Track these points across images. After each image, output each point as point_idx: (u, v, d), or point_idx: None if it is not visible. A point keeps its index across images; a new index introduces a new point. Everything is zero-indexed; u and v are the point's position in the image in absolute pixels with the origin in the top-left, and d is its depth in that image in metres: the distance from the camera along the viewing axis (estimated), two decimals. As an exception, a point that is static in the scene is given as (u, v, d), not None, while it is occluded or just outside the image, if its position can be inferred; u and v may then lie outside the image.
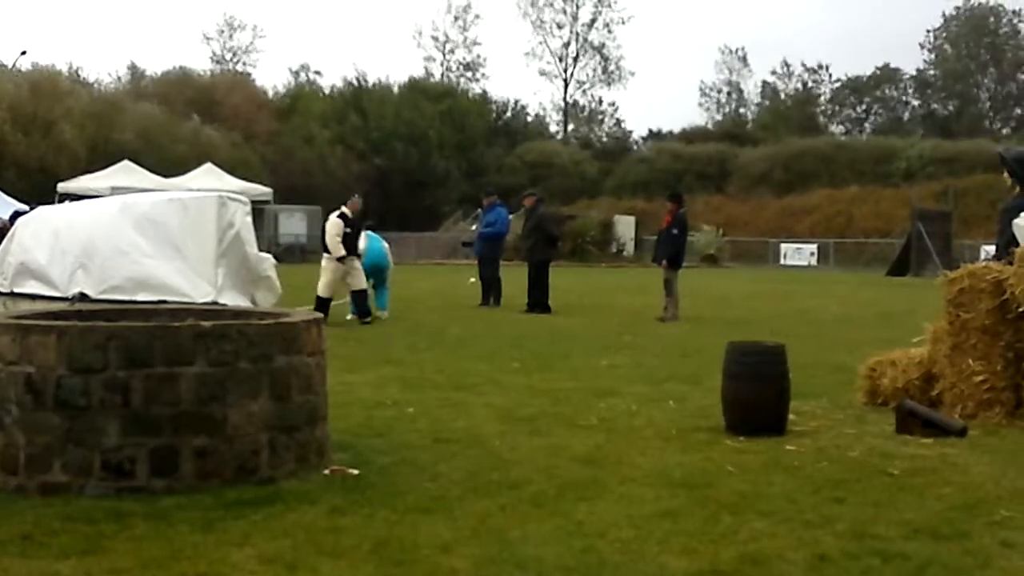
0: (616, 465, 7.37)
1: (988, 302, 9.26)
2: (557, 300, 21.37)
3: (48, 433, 6.27)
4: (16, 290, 13.81)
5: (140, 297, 12.58)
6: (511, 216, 25.78)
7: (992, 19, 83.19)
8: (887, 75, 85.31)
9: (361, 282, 17.86)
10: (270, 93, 74.81)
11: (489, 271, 22.46)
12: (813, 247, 53.70)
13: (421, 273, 34.79)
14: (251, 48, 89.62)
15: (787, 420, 8.70)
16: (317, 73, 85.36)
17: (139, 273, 13.15)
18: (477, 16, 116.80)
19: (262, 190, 42.66)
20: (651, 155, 72.96)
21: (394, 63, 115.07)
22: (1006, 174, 11.20)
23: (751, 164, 67.32)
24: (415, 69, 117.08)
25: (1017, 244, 9.61)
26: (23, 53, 76.23)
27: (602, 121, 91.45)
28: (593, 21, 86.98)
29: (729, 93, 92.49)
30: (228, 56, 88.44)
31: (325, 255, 17.93)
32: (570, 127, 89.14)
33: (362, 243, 18.43)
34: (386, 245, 19.63)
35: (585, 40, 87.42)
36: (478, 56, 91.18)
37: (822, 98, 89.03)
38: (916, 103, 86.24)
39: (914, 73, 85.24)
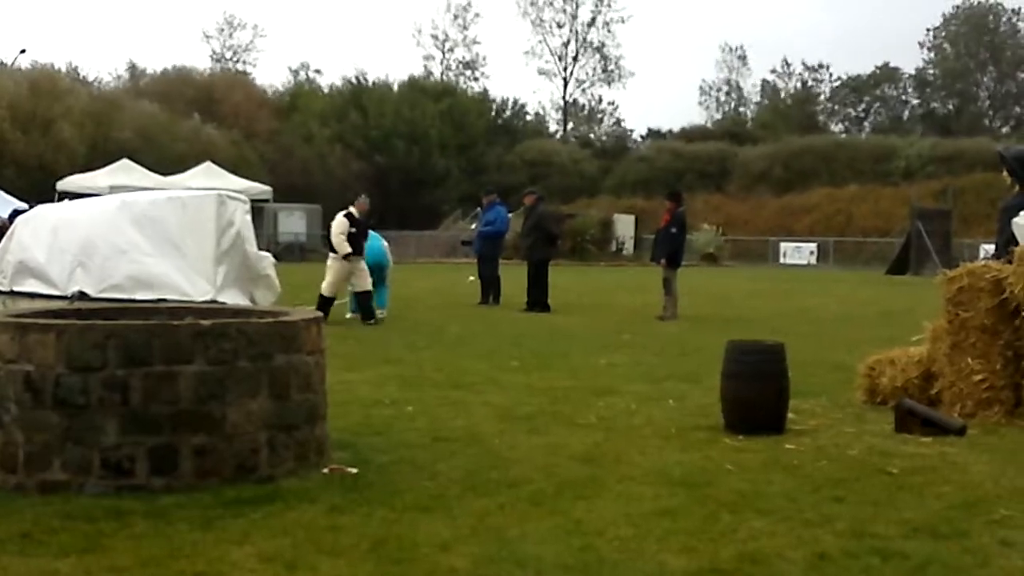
0: (615, 464, 7.37)
1: (987, 301, 9.26)
2: (556, 299, 21.37)
3: (47, 431, 6.26)
4: (15, 288, 13.81)
5: (139, 296, 12.58)
6: (511, 215, 25.79)
7: (991, 18, 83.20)
8: (887, 74, 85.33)
9: (366, 283, 17.83)
10: (269, 92, 74.86)
11: (488, 270, 22.47)
12: (812, 246, 53.69)
13: (420, 272, 34.79)
14: (251, 47, 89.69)
15: (786, 419, 8.71)
16: (317, 72, 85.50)
17: (138, 271, 13.15)
18: (477, 15, 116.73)
19: (261, 188, 42.67)
20: (651, 154, 72.89)
21: (394, 62, 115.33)
22: (1005, 173, 11.20)
23: (751, 163, 67.28)
24: (415, 68, 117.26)
25: (1016, 243, 9.62)
26: (22, 51, 76.34)
27: (602, 120, 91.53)
28: (593, 20, 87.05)
29: (729, 92, 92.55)
30: (228, 55, 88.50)
31: (331, 254, 17.93)
32: (569, 126, 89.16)
33: (362, 242, 18.41)
34: (385, 244, 19.61)
35: (584, 39, 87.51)
36: (477, 55, 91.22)
37: (822, 97, 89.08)
38: (916, 102, 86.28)
39: (913, 72, 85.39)
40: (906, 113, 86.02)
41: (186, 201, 14.19)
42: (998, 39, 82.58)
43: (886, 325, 17.66)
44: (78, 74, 66.29)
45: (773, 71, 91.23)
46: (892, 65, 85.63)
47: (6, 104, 46.53)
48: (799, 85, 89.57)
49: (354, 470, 6.96)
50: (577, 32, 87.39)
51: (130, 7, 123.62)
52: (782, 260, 52.90)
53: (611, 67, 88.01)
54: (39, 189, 35.67)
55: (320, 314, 7.76)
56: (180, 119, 56.98)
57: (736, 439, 8.26)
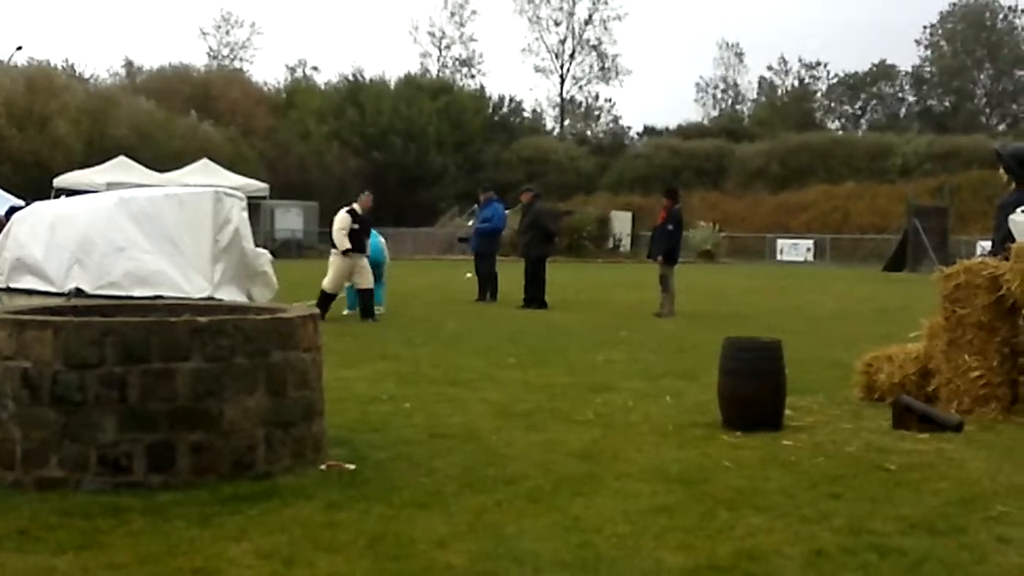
0: (612, 460, 7.37)
1: (984, 298, 9.27)
2: (553, 296, 21.38)
3: (44, 428, 6.26)
4: (12, 285, 13.78)
5: (136, 292, 12.56)
6: (508, 212, 25.79)
7: (988, 15, 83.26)
8: (883, 71, 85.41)
9: (368, 281, 17.81)
10: (266, 89, 74.81)
11: (486, 267, 22.48)
12: (809, 243, 53.73)
13: (417, 268, 34.80)
14: (248, 44, 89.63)
15: (783, 416, 8.71)
16: (314, 69, 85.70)
17: (136, 268, 13.12)
18: (474, 12, 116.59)
19: (258, 185, 42.64)
20: (648, 151, 72.93)
21: (390, 59, 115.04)
22: (1002, 170, 11.24)
23: (747, 160, 67.32)
24: (411, 65, 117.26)
25: (1013, 240, 9.63)
26: (19, 48, 76.50)
27: (598, 117, 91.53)
28: (590, 18, 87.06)
29: (725, 89, 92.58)
30: (225, 52, 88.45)
31: (333, 250, 17.91)
32: (566, 123, 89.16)
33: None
34: (383, 240, 19.62)
35: (581, 36, 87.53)
36: (474, 52, 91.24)
37: (819, 94, 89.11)
38: (912, 99, 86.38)
39: (910, 69, 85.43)
40: (903, 110, 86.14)
41: (183, 198, 14.17)
42: (995, 36, 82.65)
43: (883, 322, 17.68)
44: (74, 71, 66.25)
45: (770, 68, 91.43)
46: (889, 62, 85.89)
47: (2, 101, 46.53)
48: (796, 82, 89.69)
49: (351, 467, 6.96)
50: (574, 29, 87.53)
51: (126, 4, 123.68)
52: (779, 257, 52.95)
53: (608, 65, 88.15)
54: (35, 186, 35.65)
55: (317, 310, 7.76)
56: (177, 116, 56.97)
57: (733, 436, 8.26)
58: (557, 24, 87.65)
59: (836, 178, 62.16)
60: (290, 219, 49.34)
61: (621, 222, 55.36)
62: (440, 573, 5.01)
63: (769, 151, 67.12)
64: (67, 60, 73.82)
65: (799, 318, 19.46)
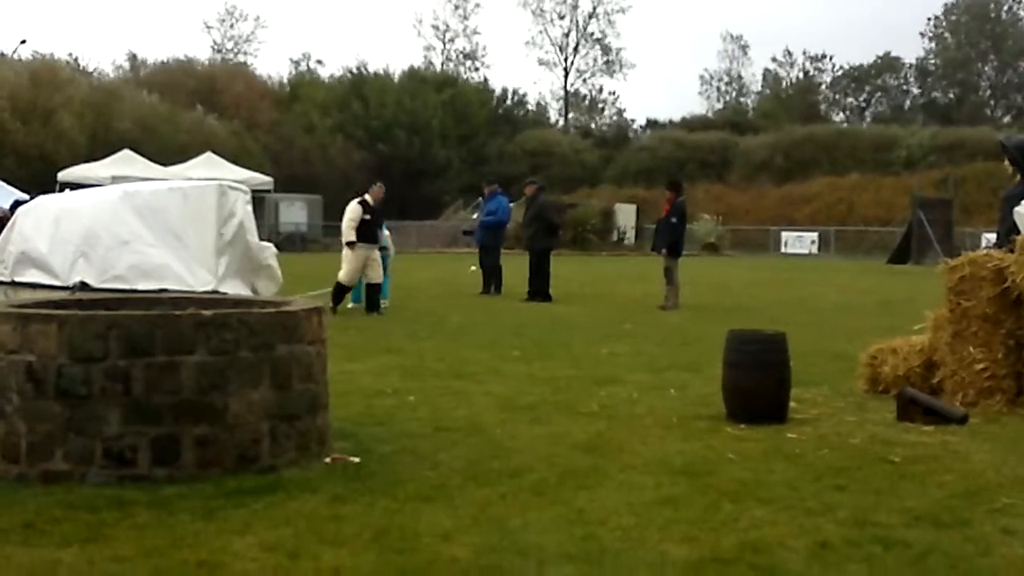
0: (617, 453, 7.38)
1: (989, 290, 9.26)
2: (558, 288, 21.38)
3: (49, 421, 6.27)
4: (17, 279, 13.79)
5: (141, 286, 12.57)
6: (512, 204, 25.78)
7: (992, 7, 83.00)
8: (888, 63, 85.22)
9: (378, 276, 17.80)
10: (271, 82, 74.79)
11: (490, 259, 22.49)
12: (814, 235, 53.64)
13: (422, 262, 34.79)
14: (252, 37, 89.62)
15: (788, 408, 8.71)
16: (318, 62, 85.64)
17: (140, 262, 13.13)
18: (477, 5, 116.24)
19: (263, 179, 42.64)
20: (652, 143, 72.81)
21: (394, 52, 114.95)
22: (1007, 162, 11.21)
23: (752, 152, 67.21)
24: (415, 58, 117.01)
25: (1018, 232, 9.61)
26: (23, 42, 76.47)
27: (603, 110, 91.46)
28: (593, 11, 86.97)
29: (730, 82, 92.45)
30: (229, 45, 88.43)
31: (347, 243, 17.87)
32: (570, 116, 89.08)
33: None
34: (387, 233, 19.62)
35: (584, 30, 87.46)
36: (477, 45, 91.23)
37: (823, 86, 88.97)
38: (917, 91, 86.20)
39: (915, 61, 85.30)
40: (907, 102, 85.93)
41: (188, 192, 14.18)
42: (999, 28, 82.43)
43: (887, 314, 17.67)
44: (78, 64, 66.20)
45: (774, 60, 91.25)
46: (893, 54, 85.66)
47: (6, 94, 46.52)
48: (801, 75, 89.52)
49: (356, 460, 6.96)
50: (578, 23, 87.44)
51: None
52: (783, 249, 52.89)
53: (612, 59, 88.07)
54: (39, 179, 35.63)
55: (321, 304, 7.75)
56: (181, 110, 56.97)
57: (738, 428, 8.26)
58: (561, 17, 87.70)
59: (840, 170, 62.07)
60: (294, 212, 49.33)
61: (625, 215, 55.34)
62: (445, 566, 5.02)
63: (773, 143, 67.02)
64: (71, 54, 73.89)
65: (803, 310, 19.45)
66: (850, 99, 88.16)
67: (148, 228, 13.42)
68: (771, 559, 5.17)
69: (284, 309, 7.05)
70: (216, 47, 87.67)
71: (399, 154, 65.01)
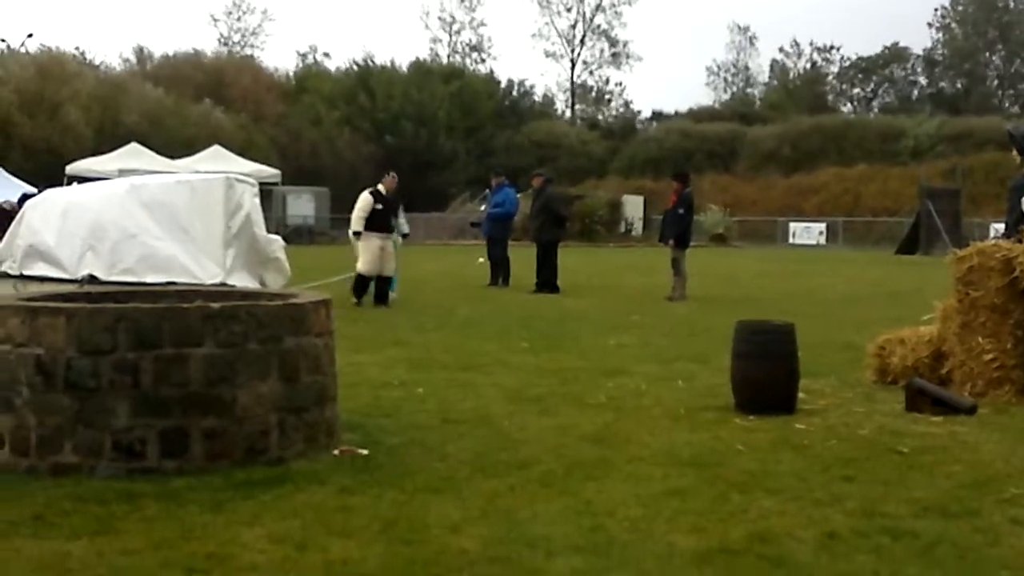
0: (625, 444, 7.38)
1: (997, 280, 9.23)
2: (565, 280, 21.38)
3: (58, 414, 6.28)
4: (25, 272, 13.81)
5: (149, 279, 12.59)
6: (519, 196, 25.77)
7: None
8: (896, 54, 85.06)
9: (389, 268, 17.82)
10: (277, 75, 74.80)
11: (497, 251, 22.49)
12: (822, 226, 53.60)
13: (429, 254, 34.80)
14: (259, 30, 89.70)
15: (796, 399, 8.70)
16: (325, 55, 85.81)
17: (148, 255, 13.15)
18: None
19: (270, 172, 42.63)
20: (659, 135, 72.79)
21: (401, 44, 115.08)
22: (1015, 152, 11.18)
23: (759, 143, 67.17)
24: (422, 50, 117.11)
25: (1026, 221, 9.60)
26: (30, 35, 76.53)
27: (609, 101, 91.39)
28: (600, 3, 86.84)
29: (737, 73, 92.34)
30: (236, 38, 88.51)
31: (363, 233, 17.85)
32: (577, 107, 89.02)
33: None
34: (403, 221, 19.63)
35: (591, 22, 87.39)
36: (484, 37, 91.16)
37: (831, 77, 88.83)
38: (924, 81, 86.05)
39: (922, 52, 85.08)
40: (915, 93, 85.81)
41: (195, 185, 14.19)
42: (1007, 18, 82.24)
43: (895, 305, 17.64)
44: (85, 58, 66.26)
45: (782, 51, 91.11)
46: (901, 45, 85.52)
47: (13, 88, 46.61)
48: (808, 65, 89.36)
49: (364, 452, 6.97)
50: (584, 15, 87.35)
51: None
52: (791, 240, 52.86)
53: (618, 51, 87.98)
54: (47, 172, 35.71)
55: (328, 297, 7.73)
56: (188, 103, 57.03)
57: (746, 419, 8.26)
58: (568, 9, 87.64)
59: (848, 161, 61.99)
60: (302, 205, 49.38)
61: (633, 206, 55.31)
62: (453, 558, 5.02)
63: (781, 134, 66.97)
64: (78, 47, 74.38)
65: (811, 301, 19.43)
66: (857, 89, 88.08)
67: (156, 221, 13.44)
68: (779, 550, 5.16)
69: (292, 302, 7.06)
70: (223, 40, 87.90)
71: (406, 146, 65.01)
